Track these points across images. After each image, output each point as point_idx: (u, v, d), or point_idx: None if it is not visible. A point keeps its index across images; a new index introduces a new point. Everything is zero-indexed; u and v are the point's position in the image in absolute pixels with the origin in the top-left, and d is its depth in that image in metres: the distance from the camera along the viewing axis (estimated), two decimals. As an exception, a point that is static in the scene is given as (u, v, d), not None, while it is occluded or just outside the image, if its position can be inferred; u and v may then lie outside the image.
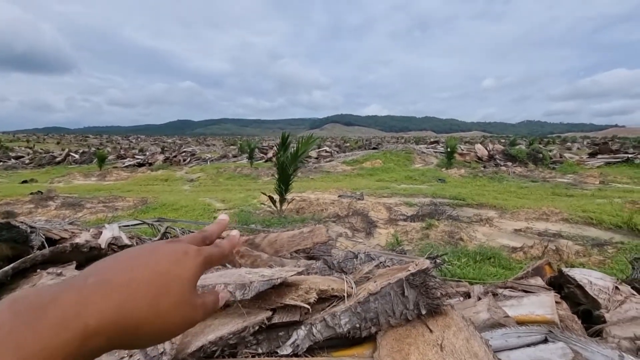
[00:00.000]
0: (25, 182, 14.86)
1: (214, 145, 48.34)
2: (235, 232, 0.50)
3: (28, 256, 2.18)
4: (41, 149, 34.82)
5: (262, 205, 6.98)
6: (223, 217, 0.48)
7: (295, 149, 5.99)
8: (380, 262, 2.44)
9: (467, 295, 1.95)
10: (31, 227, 2.76)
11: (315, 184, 10.68)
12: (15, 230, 2.55)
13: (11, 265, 2.07)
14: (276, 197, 6.34)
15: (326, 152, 21.36)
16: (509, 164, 15.38)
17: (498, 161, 15.99)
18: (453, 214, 6.11)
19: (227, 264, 3.12)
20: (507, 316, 1.62)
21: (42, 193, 10.01)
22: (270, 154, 21.13)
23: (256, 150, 19.67)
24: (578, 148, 30.11)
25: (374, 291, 1.74)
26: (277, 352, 1.80)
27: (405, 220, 6.07)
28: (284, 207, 6.51)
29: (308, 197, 7.96)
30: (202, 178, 13.95)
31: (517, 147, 19.59)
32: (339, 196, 8.13)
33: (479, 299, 1.84)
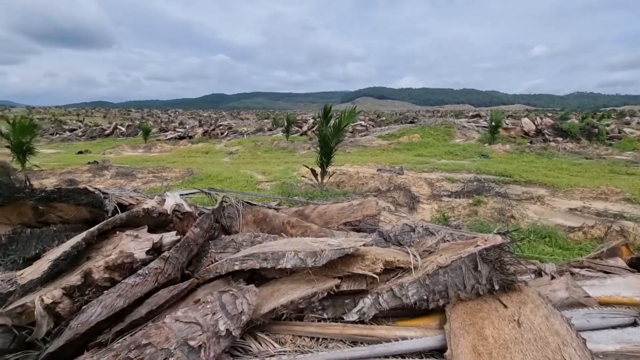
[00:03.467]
0: (80, 152, 16.06)
1: (247, 119, 49.06)
2: None
3: (109, 219, 2.37)
4: (90, 122, 37.16)
5: (303, 178, 7.06)
6: None
7: (337, 122, 5.92)
8: (442, 237, 2.41)
9: (539, 274, 1.89)
10: (104, 193, 2.98)
11: (353, 158, 10.60)
12: (92, 196, 2.77)
13: (96, 226, 2.26)
14: (317, 169, 6.37)
15: (361, 126, 20.97)
16: (559, 139, 14.29)
17: (547, 136, 14.90)
18: (501, 191, 5.85)
19: (281, 233, 3.23)
20: (588, 296, 1.55)
21: (97, 163, 10.79)
22: (305, 128, 21.12)
23: (292, 123, 19.71)
24: (638, 122, 27.03)
25: (444, 264, 1.72)
26: (342, 318, 1.86)
27: (449, 196, 5.90)
28: (324, 181, 6.55)
29: (347, 170, 7.94)
30: (241, 151, 14.31)
31: (569, 121, 18.09)
32: (378, 170, 8.02)
33: (553, 277, 1.77)
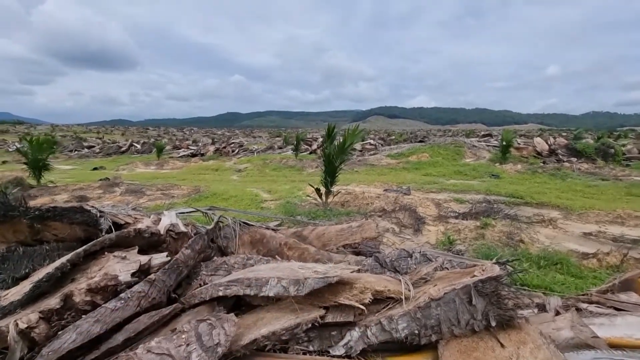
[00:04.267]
0: (95, 169, 16.48)
1: (260, 137, 49.82)
2: None
3: (98, 239, 2.34)
4: (109, 140, 38.36)
5: (308, 197, 6.99)
6: None
7: (341, 140, 5.89)
8: (439, 264, 2.28)
9: (542, 308, 1.74)
10: (100, 211, 2.97)
11: (360, 177, 10.52)
12: (87, 214, 2.76)
13: (83, 247, 2.23)
14: (322, 189, 6.30)
15: (370, 144, 20.96)
16: (573, 159, 13.90)
17: (560, 156, 14.53)
18: (510, 213, 5.64)
19: (276, 255, 3.14)
20: (596, 337, 1.40)
21: (109, 180, 10.99)
22: (314, 146, 21.24)
23: (301, 142, 19.86)
24: (658, 143, 26.21)
25: (436, 297, 1.60)
26: (328, 352, 1.74)
27: (456, 217, 5.72)
28: (329, 200, 6.47)
29: (353, 190, 7.84)
30: (249, 168, 14.40)
31: (584, 141, 17.65)
32: (384, 190, 7.90)
33: (558, 313, 1.62)
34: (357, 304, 1.65)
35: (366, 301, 1.70)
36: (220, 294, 1.93)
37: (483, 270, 1.74)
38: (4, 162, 19.22)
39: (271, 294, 1.69)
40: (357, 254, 3.54)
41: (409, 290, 1.74)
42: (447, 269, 2.04)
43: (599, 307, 1.66)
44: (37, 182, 10.27)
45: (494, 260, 1.73)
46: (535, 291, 1.93)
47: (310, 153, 20.06)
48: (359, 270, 2.57)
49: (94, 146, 30.42)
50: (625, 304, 1.66)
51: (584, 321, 1.49)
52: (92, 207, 2.98)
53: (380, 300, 1.80)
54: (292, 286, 1.64)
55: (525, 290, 1.88)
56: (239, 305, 2.22)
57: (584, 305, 1.67)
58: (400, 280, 1.86)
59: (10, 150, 27.87)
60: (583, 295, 1.82)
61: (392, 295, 1.76)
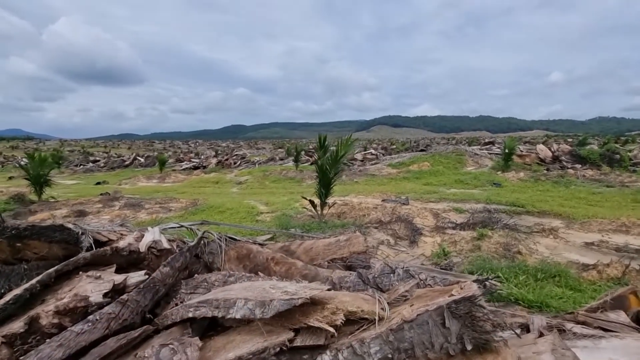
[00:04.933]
0: (98, 183, 16.60)
1: (263, 148, 50.12)
2: None
3: (71, 259, 2.29)
4: (115, 154, 38.82)
5: (304, 209, 6.92)
6: None
7: (335, 151, 5.84)
8: (421, 281, 2.19)
9: (525, 328, 1.63)
10: (82, 229, 2.93)
11: (359, 188, 10.44)
12: (67, 232, 2.72)
13: (54, 267, 2.18)
14: (316, 201, 6.23)
15: (372, 154, 20.92)
16: (578, 166, 13.68)
17: (564, 163, 14.31)
18: (510, 223, 5.50)
19: (259, 272, 3.06)
20: (578, 362, 1.30)
21: (109, 194, 11.04)
22: (315, 157, 21.26)
23: (302, 153, 19.88)
24: (667, 147, 25.79)
25: (409, 318, 1.51)
26: (300, 377, 1.65)
27: (453, 228, 5.60)
28: (324, 212, 6.39)
29: (350, 201, 7.76)
30: (250, 181, 14.40)
31: (588, 147, 17.42)
32: (382, 200, 7.81)
33: (541, 334, 1.52)
34: (326, 326, 1.56)
35: (338, 323, 1.62)
36: (190, 315, 1.86)
37: (461, 289, 1.65)
38: (10, 178, 19.49)
39: (238, 316, 1.62)
40: (348, 267, 3.45)
41: (384, 310, 1.65)
42: (430, 286, 1.95)
43: (585, 327, 1.55)
44: (38, 198, 10.35)
45: (473, 278, 1.64)
46: (517, 309, 1.82)
47: (311, 164, 20.04)
48: (340, 287, 2.49)
49: (98, 160, 30.78)
50: (613, 324, 1.55)
51: (566, 344, 1.39)
52: (74, 224, 2.94)
53: (355, 321, 1.72)
54: (258, 308, 1.57)
55: (509, 308, 1.77)
56: (216, 325, 2.15)
57: (569, 326, 1.56)
58: (376, 299, 1.78)
59: (17, 166, 28.33)
60: (569, 314, 1.71)
61: (366, 316, 1.67)
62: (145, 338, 1.99)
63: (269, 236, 4.86)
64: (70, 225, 2.84)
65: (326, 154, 5.91)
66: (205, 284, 2.61)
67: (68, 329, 1.79)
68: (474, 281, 1.65)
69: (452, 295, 1.61)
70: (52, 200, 10.38)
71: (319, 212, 6.26)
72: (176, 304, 2.39)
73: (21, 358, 1.65)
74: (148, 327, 1.99)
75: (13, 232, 2.46)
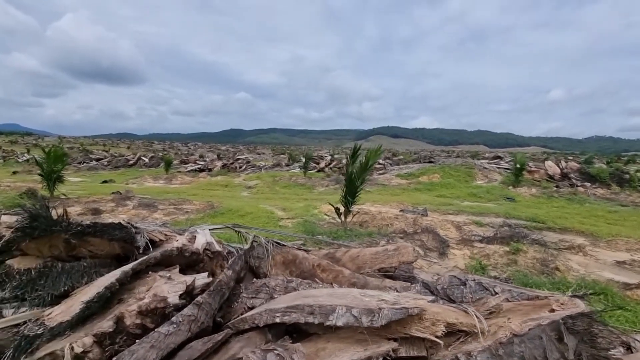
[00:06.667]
0: (105, 182, 16.50)
1: (263, 153, 50.17)
2: None
3: (143, 258, 2.27)
4: (115, 152, 38.68)
5: (325, 216, 6.91)
6: None
7: (364, 160, 5.86)
8: (496, 294, 2.18)
9: (627, 347, 1.63)
10: (136, 228, 2.91)
11: (373, 197, 10.44)
12: (125, 231, 2.70)
13: (130, 265, 2.16)
14: (341, 208, 6.23)
15: (379, 164, 20.97)
16: (587, 184, 13.78)
17: (574, 180, 14.42)
18: (538, 238, 5.52)
19: (313, 278, 3.04)
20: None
21: (120, 193, 10.98)
22: (322, 164, 21.28)
23: (310, 160, 19.91)
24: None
25: (520, 332, 1.50)
26: (400, 389, 1.63)
27: (480, 241, 5.60)
28: (347, 220, 6.38)
29: (369, 209, 7.75)
30: (259, 185, 14.37)
31: (596, 165, 17.59)
32: (401, 211, 7.81)
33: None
34: (431, 337, 1.55)
35: (439, 333, 1.60)
36: (277, 320, 1.83)
37: (562, 304, 1.65)
38: (14, 173, 19.34)
39: (340, 324, 1.60)
40: (391, 278, 3.43)
41: (483, 323, 1.65)
42: (517, 301, 1.94)
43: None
44: (50, 194, 10.27)
45: (569, 293, 1.63)
46: (622, 328, 1.82)
47: (318, 171, 20.08)
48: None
49: (102, 159, 30.63)
50: None
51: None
52: (128, 223, 2.92)
53: (450, 334, 1.70)
54: (365, 316, 1.55)
55: (612, 326, 1.76)
56: (287, 332, 2.12)
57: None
58: (468, 312, 1.77)
59: (20, 160, 28.13)
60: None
61: (464, 329, 1.66)
62: (223, 342, 1.97)
63: (300, 242, 4.84)
64: (126, 224, 2.82)
65: (355, 163, 5.93)
66: (266, 288, 2.59)
67: (155, 330, 1.77)
68: (572, 296, 1.64)
69: (555, 310, 1.61)
70: (64, 197, 10.30)
71: (343, 220, 6.25)
72: (244, 308, 2.37)
73: (114, 358, 1.63)
74: (229, 331, 1.97)
75: (78, 228, 2.44)
